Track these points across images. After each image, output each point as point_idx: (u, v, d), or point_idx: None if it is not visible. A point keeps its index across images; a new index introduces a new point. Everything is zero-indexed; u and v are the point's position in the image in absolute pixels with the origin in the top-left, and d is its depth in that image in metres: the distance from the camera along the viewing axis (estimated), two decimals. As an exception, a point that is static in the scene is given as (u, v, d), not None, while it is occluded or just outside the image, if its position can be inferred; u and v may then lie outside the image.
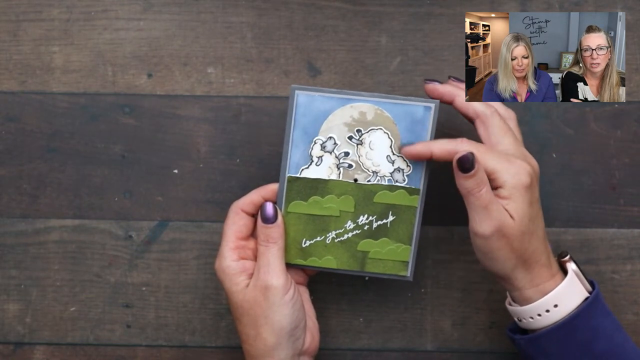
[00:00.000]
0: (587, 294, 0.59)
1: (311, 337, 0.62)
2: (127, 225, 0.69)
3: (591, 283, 0.60)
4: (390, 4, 0.69)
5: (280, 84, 0.69)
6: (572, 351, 0.58)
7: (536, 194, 0.58)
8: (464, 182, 0.57)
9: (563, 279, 0.59)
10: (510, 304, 0.61)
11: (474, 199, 0.57)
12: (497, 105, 0.62)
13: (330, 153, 0.61)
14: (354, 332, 0.69)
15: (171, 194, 0.69)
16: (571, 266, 0.60)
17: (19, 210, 0.69)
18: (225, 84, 0.69)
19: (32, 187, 0.69)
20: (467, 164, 0.56)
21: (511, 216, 0.57)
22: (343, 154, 0.61)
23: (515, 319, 0.61)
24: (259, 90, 0.69)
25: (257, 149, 0.69)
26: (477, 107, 0.60)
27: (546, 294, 0.58)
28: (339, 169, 0.61)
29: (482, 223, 0.57)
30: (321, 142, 0.61)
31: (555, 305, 0.58)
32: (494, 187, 0.57)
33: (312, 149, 0.61)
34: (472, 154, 0.56)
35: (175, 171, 0.69)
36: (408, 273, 0.63)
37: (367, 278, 0.69)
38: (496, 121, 0.59)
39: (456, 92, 0.61)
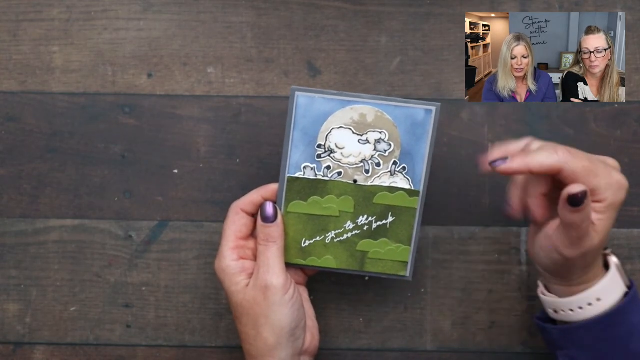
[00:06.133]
0: (626, 289, 0.59)
1: (311, 337, 0.62)
2: (127, 225, 0.69)
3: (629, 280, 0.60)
4: (390, 4, 0.69)
5: (280, 84, 0.69)
6: (607, 346, 0.58)
7: None
8: (570, 216, 0.54)
9: (605, 273, 0.58)
10: (543, 294, 0.61)
11: (572, 230, 0.55)
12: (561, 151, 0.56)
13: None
14: (354, 332, 0.69)
15: (171, 194, 0.69)
16: (613, 260, 0.59)
17: (19, 210, 0.69)
18: (225, 84, 0.69)
19: (32, 187, 0.69)
20: (578, 202, 0.54)
21: (597, 234, 0.56)
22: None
23: (550, 310, 0.61)
24: (259, 90, 0.69)
25: (257, 149, 0.69)
26: (544, 162, 0.55)
27: (590, 287, 0.58)
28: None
29: (570, 249, 0.56)
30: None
31: (598, 299, 0.58)
32: (592, 200, 0.56)
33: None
34: (584, 193, 0.53)
35: (175, 171, 0.69)
36: (407, 273, 0.63)
37: (367, 278, 0.69)
38: (574, 164, 0.55)
39: (520, 166, 0.56)
